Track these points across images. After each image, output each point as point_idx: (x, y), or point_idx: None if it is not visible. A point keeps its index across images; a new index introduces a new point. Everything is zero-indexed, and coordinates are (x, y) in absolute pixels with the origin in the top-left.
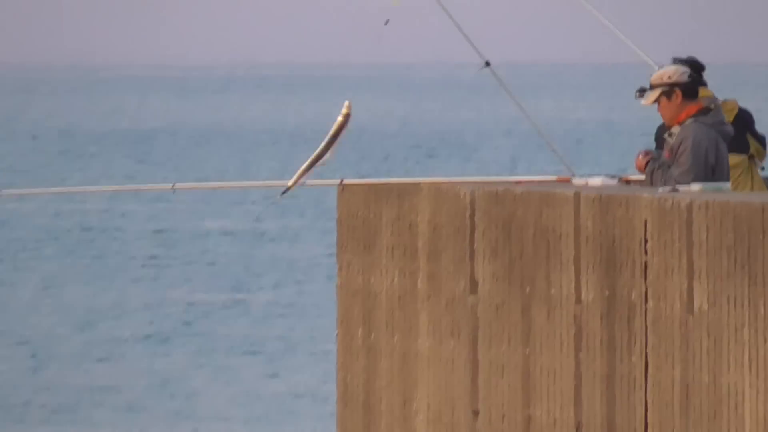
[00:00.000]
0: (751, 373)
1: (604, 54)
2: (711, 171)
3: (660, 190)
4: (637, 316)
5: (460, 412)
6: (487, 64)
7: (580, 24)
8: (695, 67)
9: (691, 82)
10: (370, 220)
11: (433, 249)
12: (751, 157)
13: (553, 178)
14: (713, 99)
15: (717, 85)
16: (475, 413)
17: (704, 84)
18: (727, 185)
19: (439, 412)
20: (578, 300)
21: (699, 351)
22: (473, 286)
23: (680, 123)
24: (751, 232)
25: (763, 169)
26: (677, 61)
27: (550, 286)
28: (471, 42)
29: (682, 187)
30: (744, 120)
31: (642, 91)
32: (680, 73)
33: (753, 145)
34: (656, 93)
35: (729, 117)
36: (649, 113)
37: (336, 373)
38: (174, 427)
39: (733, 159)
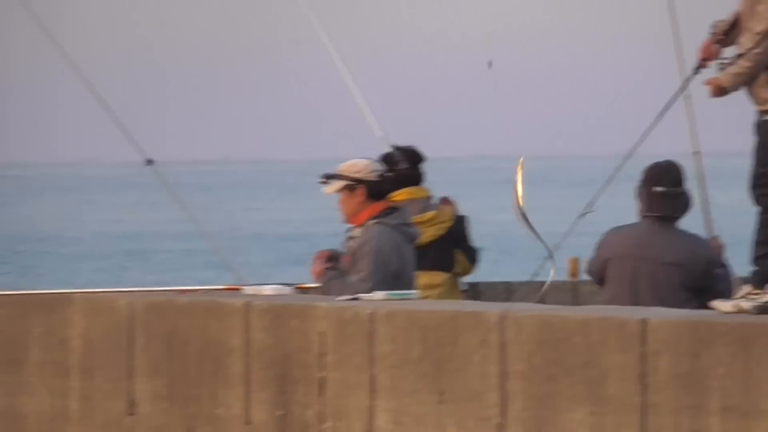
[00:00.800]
0: None
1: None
2: (393, 278)
3: (339, 298)
4: None
5: None
6: (149, 162)
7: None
8: (413, 158)
9: (378, 182)
10: (16, 335)
11: (88, 366)
12: (456, 275)
13: (221, 286)
14: (427, 202)
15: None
16: None
17: (420, 178)
18: (415, 293)
19: None
20: (248, 421)
21: None
22: (132, 406)
23: (361, 224)
24: (440, 344)
25: (465, 290)
26: (395, 148)
27: (216, 405)
28: (132, 139)
29: (364, 296)
30: (456, 234)
31: (328, 178)
32: (370, 170)
33: (460, 262)
34: (340, 184)
35: (442, 229)
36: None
37: None
38: None
39: (437, 277)
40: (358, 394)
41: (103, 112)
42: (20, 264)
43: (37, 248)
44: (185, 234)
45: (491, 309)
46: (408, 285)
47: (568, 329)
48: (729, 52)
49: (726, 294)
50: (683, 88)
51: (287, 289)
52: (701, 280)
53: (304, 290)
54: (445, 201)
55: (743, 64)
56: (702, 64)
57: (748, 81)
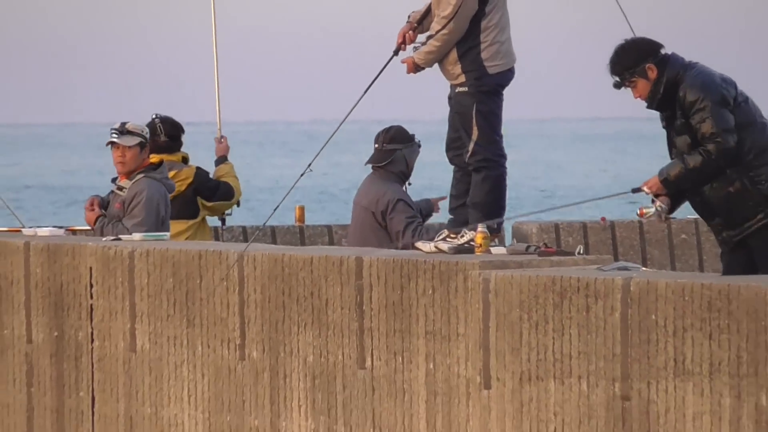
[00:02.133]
0: (190, 405)
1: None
2: (161, 223)
3: (104, 239)
4: (84, 354)
5: None
6: None
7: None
8: (173, 131)
9: (158, 142)
10: None
11: None
12: (204, 220)
13: (3, 228)
14: (175, 163)
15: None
16: None
17: (178, 147)
18: (167, 235)
19: None
20: (29, 340)
21: (142, 386)
22: None
23: (128, 177)
24: (188, 278)
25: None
26: (159, 120)
27: (3, 327)
28: None
29: (125, 237)
30: (197, 189)
31: (122, 133)
32: (141, 128)
33: (204, 208)
34: (136, 139)
35: (183, 185)
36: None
37: None
38: None
39: (183, 225)
40: (121, 318)
41: None
42: None
43: None
44: None
45: (231, 248)
46: (168, 229)
47: (295, 266)
48: (422, 37)
49: (401, 234)
50: (385, 66)
51: (60, 231)
52: (383, 220)
53: (74, 232)
54: (218, 140)
55: (433, 44)
56: (400, 47)
57: (437, 59)
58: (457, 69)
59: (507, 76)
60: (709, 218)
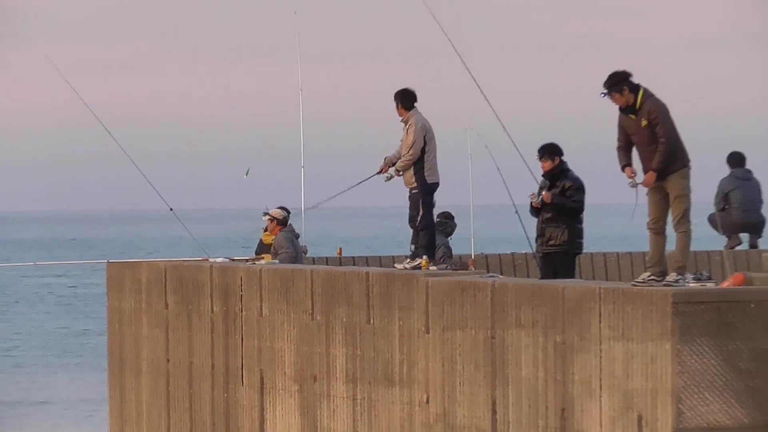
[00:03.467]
0: (287, 341)
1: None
2: (294, 248)
3: (248, 263)
4: (238, 318)
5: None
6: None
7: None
8: (287, 211)
9: (282, 219)
10: (120, 278)
11: (150, 290)
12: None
13: (200, 258)
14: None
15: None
16: (167, 360)
17: (288, 219)
18: (276, 261)
19: (152, 359)
20: (212, 311)
21: (265, 332)
22: (166, 307)
23: (275, 234)
24: (288, 281)
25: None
26: (281, 207)
27: (200, 306)
28: (158, 192)
29: (258, 262)
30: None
31: (265, 215)
32: (281, 214)
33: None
34: (269, 218)
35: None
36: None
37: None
38: None
39: None
40: (255, 300)
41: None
42: (115, 252)
43: (130, 246)
44: (186, 242)
45: (306, 268)
46: (300, 258)
47: (337, 275)
48: (392, 170)
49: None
50: (368, 178)
51: (227, 260)
52: None
53: (235, 260)
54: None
55: (405, 161)
56: (381, 171)
57: (408, 168)
58: (413, 179)
59: (436, 185)
60: (540, 236)
